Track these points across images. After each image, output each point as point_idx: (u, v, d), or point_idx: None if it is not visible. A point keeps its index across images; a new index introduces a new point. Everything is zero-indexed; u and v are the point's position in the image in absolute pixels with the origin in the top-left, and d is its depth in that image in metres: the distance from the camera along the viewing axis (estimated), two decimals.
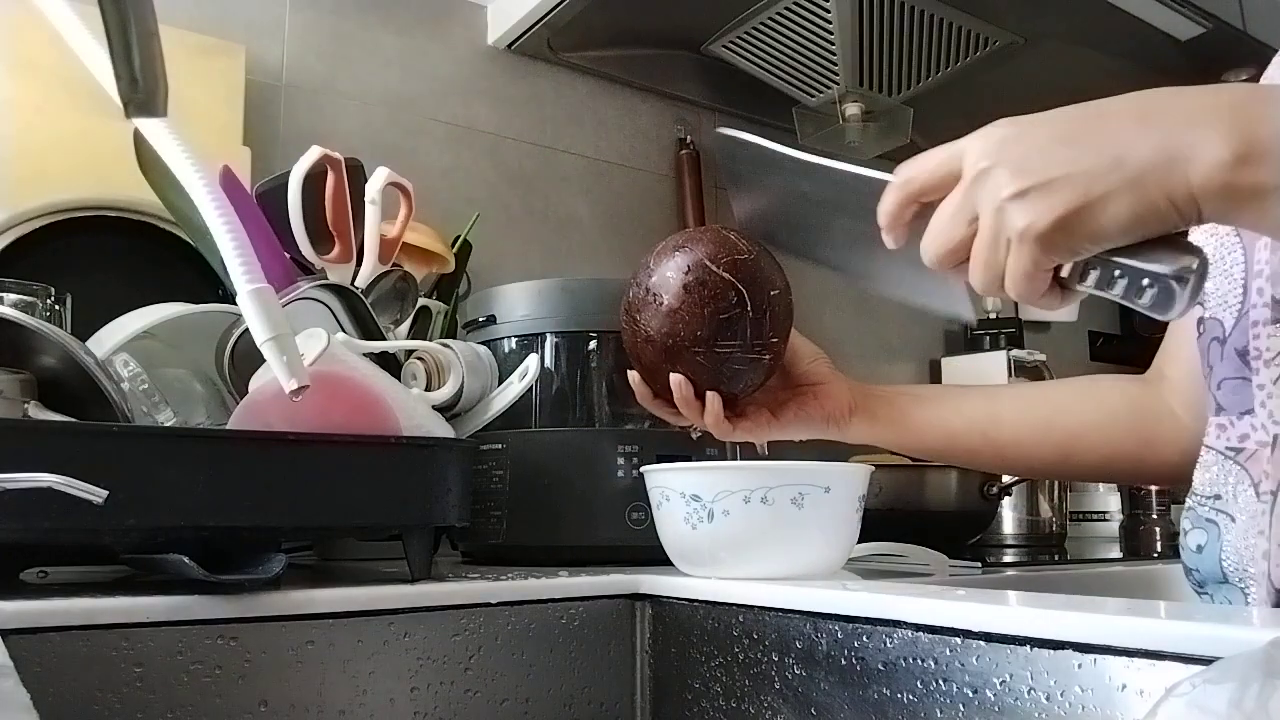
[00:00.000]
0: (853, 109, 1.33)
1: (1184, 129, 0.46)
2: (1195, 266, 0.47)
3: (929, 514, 1.14)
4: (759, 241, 0.72)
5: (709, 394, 0.72)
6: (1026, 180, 0.48)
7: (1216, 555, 0.62)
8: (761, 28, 1.26)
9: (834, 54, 1.25)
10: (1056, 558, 1.23)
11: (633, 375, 0.74)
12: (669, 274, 0.71)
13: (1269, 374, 0.60)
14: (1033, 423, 0.79)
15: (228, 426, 0.72)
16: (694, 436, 0.76)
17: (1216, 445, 0.64)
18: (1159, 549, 1.30)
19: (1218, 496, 0.63)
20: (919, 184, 0.54)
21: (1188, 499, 0.66)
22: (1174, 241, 0.48)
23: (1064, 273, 0.50)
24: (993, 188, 0.49)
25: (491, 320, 0.94)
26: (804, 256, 0.69)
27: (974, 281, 0.51)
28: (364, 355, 0.79)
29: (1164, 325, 0.73)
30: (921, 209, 0.54)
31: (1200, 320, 0.67)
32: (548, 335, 0.92)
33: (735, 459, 0.89)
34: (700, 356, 0.70)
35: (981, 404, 0.80)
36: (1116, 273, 0.49)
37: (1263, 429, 0.60)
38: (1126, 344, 2.07)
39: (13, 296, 0.73)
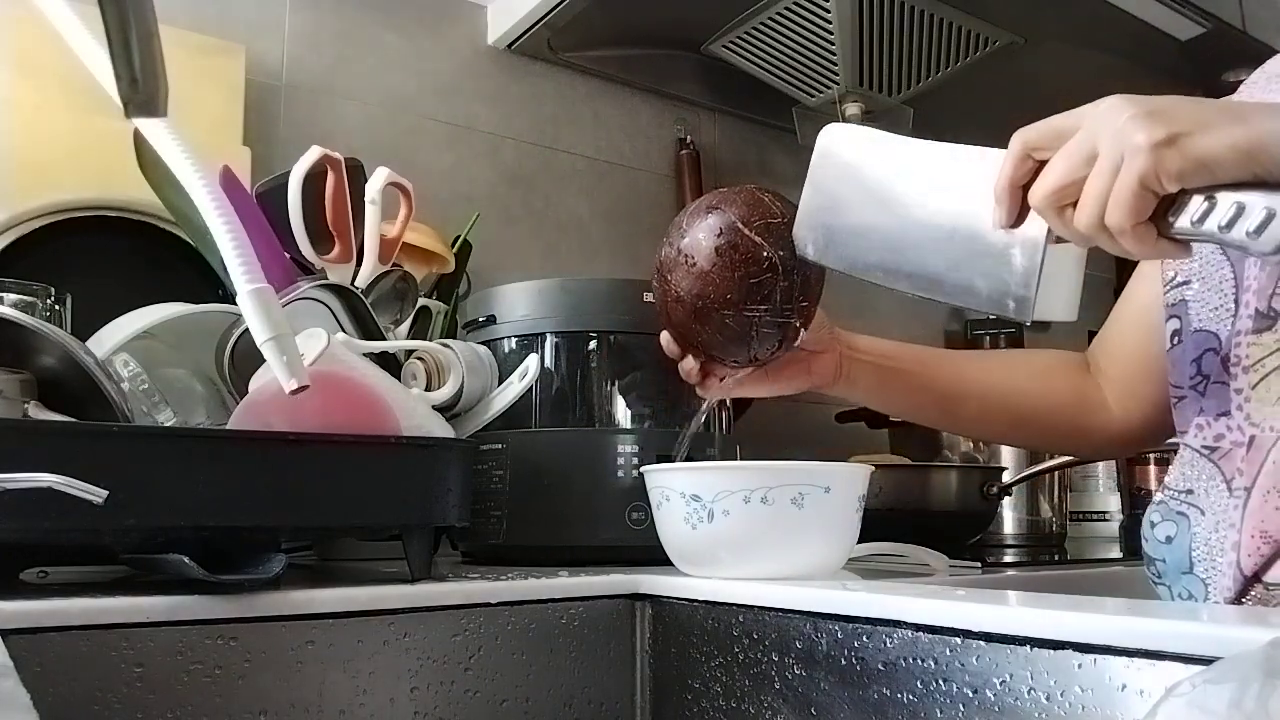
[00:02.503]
0: (853, 109, 1.33)
1: None
2: None
3: (929, 514, 1.14)
4: (793, 204, 0.71)
5: (713, 378, 0.75)
6: (1148, 107, 0.50)
7: (1186, 546, 0.66)
8: (761, 28, 1.26)
9: (834, 54, 1.25)
10: (1056, 558, 1.23)
11: (664, 336, 0.75)
12: (700, 235, 0.70)
13: (1247, 379, 0.63)
14: (992, 405, 0.86)
15: (228, 426, 0.72)
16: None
17: (1193, 444, 0.67)
18: None
19: (1189, 491, 0.66)
20: (1036, 134, 0.55)
21: (1158, 493, 0.70)
22: None
23: (1172, 219, 0.51)
24: (1115, 113, 0.51)
25: (491, 320, 0.94)
26: (862, 269, 0.67)
27: (1080, 219, 0.53)
28: (364, 355, 0.79)
29: None
30: (1037, 167, 0.55)
31: (1177, 333, 0.70)
32: (548, 335, 0.92)
33: (736, 459, 0.89)
34: (729, 319, 0.70)
35: (950, 381, 0.86)
36: (1229, 205, 0.49)
37: (1238, 430, 0.64)
38: None
39: (13, 296, 0.73)
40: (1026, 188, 0.56)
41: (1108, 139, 0.51)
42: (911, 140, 0.64)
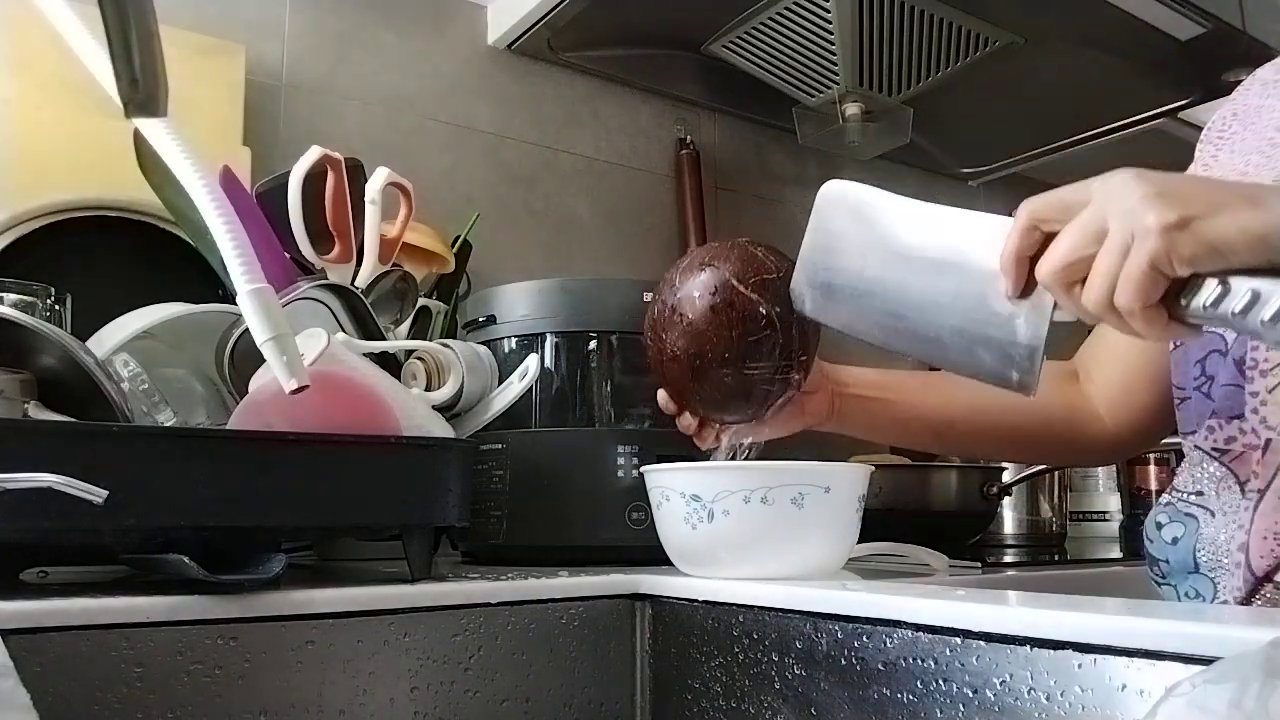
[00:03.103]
0: (853, 109, 1.33)
1: None
2: None
3: (929, 514, 1.14)
4: (787, 257, 0.71)
5: (709, 429, 0.75)
6: (1160, 188, 0.49)
7: (1191, 547, 0.66)
8: (761, 28, 1.26)
9: (834, 54, 1.25)
10: (1056, 558, 1.23)
11: (661, 394, 0.75)
12: (695, 292, 0.69)
13: (1264, 383, 0.63)
14: (982, 425, 0.85)
15: (228, 426, 0.72)
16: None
17: (1203, 445, 0.67)
18: None
19: (1200, 493, 0.67)
20: (1044, 206, 0.54)
21: (1165, 495, 0.70)
22: None
23: (1184, 302, 0.49)
24: (1125, 191, 0.50)
25: (491, 320, 0.94)
26: (862, 329, 0.67)
27: (1088, 297, 0.52)
28: (364, 355, 0.79)
29: None
30: (1045, 239, 0.54)
31: None
32: (548, 335, 0.92)
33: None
34: (728, 377, 0.70)
35: (938, 406, 0.86)
36: (1243, 291, 0.47)
37: (1253, 433, 0.63)
38: None
39: (13, 296, 0.73)
40: (1034, 259, 0.54)
41: (1118, 218, 0.50)
42: (913, 201, 0.63)
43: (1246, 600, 0.62)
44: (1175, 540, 0.67)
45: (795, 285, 0.69)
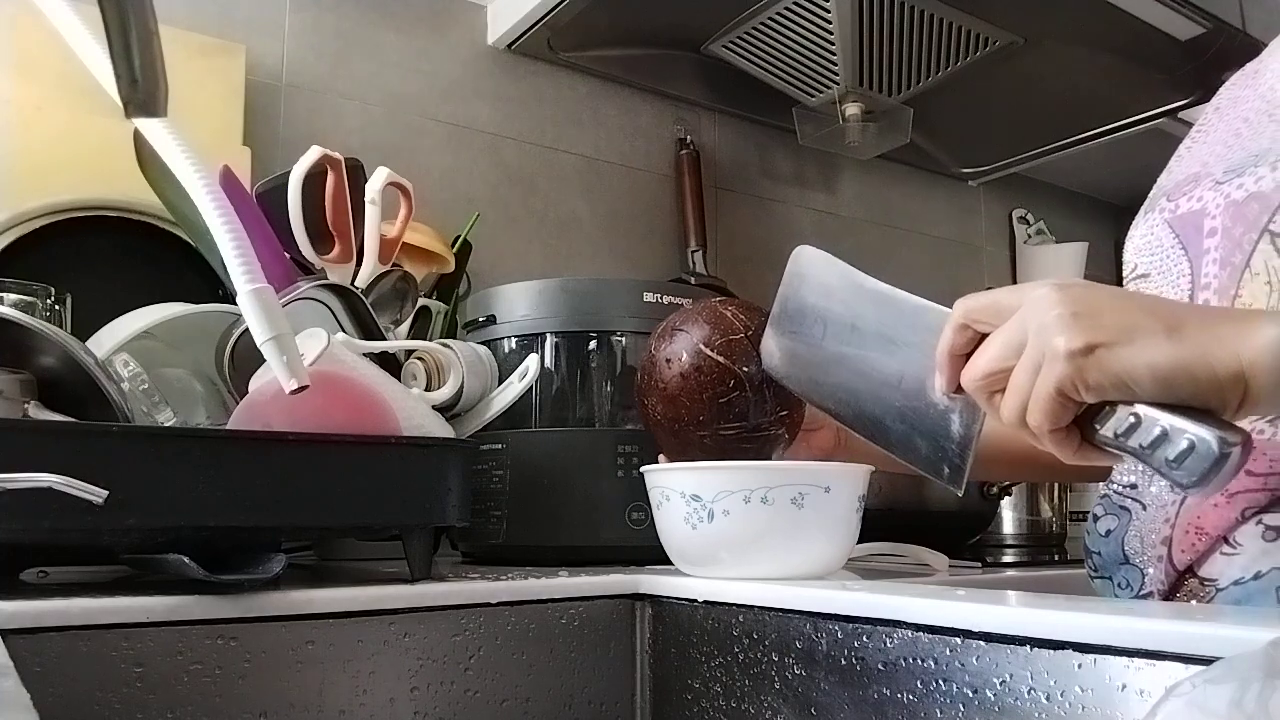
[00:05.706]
0: (853, 109, 1.33)
1: (1238, 320, 0.48)
2: (1241, 441, 0.45)
3: (929, 514, 1.14)
4: (760, 312, 0.72)
5: None
6: (1077, 307, 0.48)
7: (1121, 539, 0.66)
8: (761, 28, 1.26)
9: (834, 54, 1.25)
10: (1056, 558, 1.23)
11: (661, 458, 0.76)
12: (668, 358, 0.72)
13: None
14: (993, 449, 0.83)
15: (228, 426, 0.72)
16: None
17: None
18: None
19: (1133, 485, 0.66)
20: (977, 306, 0.54)
21: (1102, 487, 0.69)
22: (1214, 416, 0.46)
23: (1098, 427, 0.49)
24: (1044, 307, 0.49)
25: (491, 320, 0.94)
26: (817, 398, 0.67)
27: (1004, 408, 0.52)
28: (364, 355, 0.79)
29: None
30: (976, 338, 0.54)
31: None
32: (548, 335, 0.92)
33: None
34: (707, 440, 0.71)
35: None
36: (1153, 427, 0.47)
37: None
38: None
39: (13, 296, 0.73)
40: (969, 356, 0.54)
41: (1034, 334, 0.49)
42: (875, 282, 0.63)
43: (1169, 595, 0.62)
44: (1108, 533, 0.67)
45: (765, 343, 0.71)
